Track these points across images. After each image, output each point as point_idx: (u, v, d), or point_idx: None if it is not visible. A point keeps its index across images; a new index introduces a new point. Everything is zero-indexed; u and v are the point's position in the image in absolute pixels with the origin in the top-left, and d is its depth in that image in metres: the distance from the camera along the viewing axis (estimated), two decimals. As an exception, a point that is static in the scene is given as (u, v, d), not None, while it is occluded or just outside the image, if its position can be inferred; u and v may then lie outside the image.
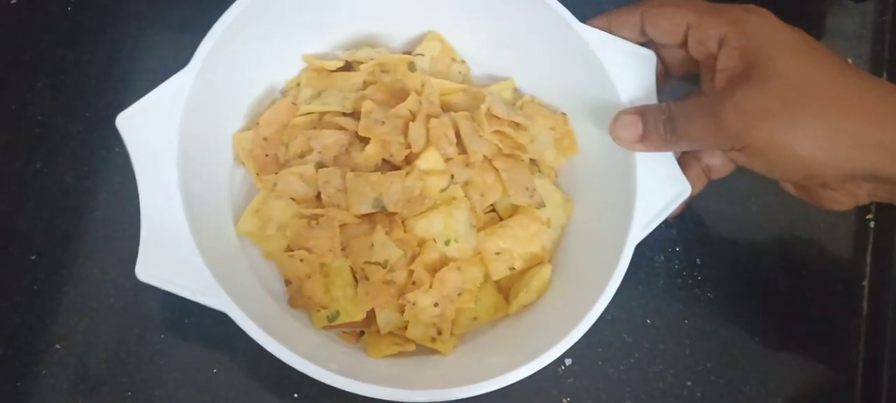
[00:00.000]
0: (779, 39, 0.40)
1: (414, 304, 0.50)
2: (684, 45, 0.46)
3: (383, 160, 0.53)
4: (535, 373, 0.45)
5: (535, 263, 0.54)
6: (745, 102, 0.38)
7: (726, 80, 0.42)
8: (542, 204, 0.54)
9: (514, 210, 0.55)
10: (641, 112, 0.44)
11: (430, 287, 0.50)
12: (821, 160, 0.38)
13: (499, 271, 0.53)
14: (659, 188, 0.49)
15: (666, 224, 0.59)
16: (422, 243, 0.52)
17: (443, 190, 0.52)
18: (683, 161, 0.48)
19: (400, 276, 0.51)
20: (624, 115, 0.44)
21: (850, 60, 0.67)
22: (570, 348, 0.45)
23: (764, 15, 0.42)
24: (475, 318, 0.53)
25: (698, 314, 0.59)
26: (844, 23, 0.68)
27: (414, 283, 0.51)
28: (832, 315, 0.60)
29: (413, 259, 0.52)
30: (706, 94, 0.45)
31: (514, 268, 0.53)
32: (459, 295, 0.51)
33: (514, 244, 0.53)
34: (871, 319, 0.60)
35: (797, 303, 0.60)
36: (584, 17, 0.51)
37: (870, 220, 0.62)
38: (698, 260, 0.60)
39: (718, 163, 0.49)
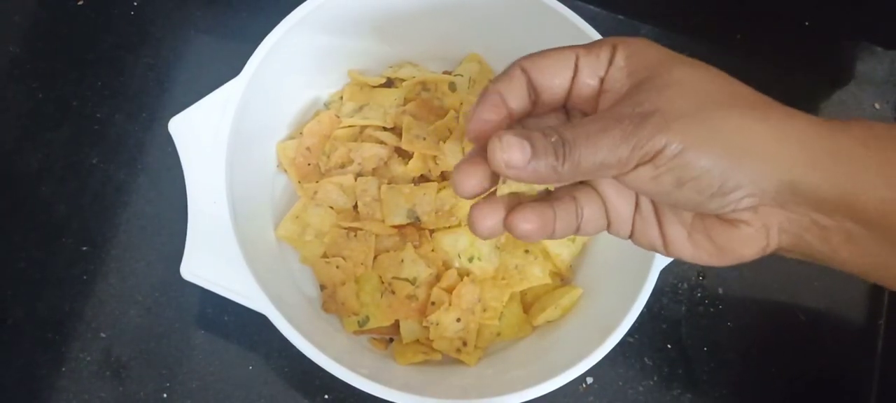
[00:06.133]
0: (667, 55, 0.35)
1: (437, 324, 0.52)
2: (568, 95, 0.38)
3: (421, 175, 0.56)
4: (557, 390, 0.46)
5: (555, 277, 0.56)
6: (654, 104, 0.33)
7: (613, 99, 0.35)
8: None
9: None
10: (529, 136, 0.34)
11: (450, 305, 0.52)
12: (739, 164, 0.33)
13: (519, 283, 0.55)
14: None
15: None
16: (445, 264, 0.54)
17: (473, 208, 0.54)
18: (556, 196, 0.38)
19: (422, 292, 0.53)
20: (509, 135, 0.34)
21: (877, 105, 0.68)
22: (592, 367, 0.47)
23: (644, 39, 0.37)
24: (498, 334, 0.55)
25: (718, 342, 0.60)
26: (874, 69, 0.69)
27: (433, 304, 0.53)
28: (849, 351, 0.61)
29: (438, 277, 0.54)
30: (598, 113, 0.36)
31: (532, 283, 0.55)
32: (484, 311, 0.53)
33: (534, 259, 0.55)
34: (885, 358, 0.61)
35: (815, 338, 0.61)
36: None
37: (890, 260, 0.63)
38: (721, 289, 0.61)
39: (594, 214, 0.38)
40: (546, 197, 0.37)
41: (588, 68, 0.36)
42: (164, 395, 0.54)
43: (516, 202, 0.36)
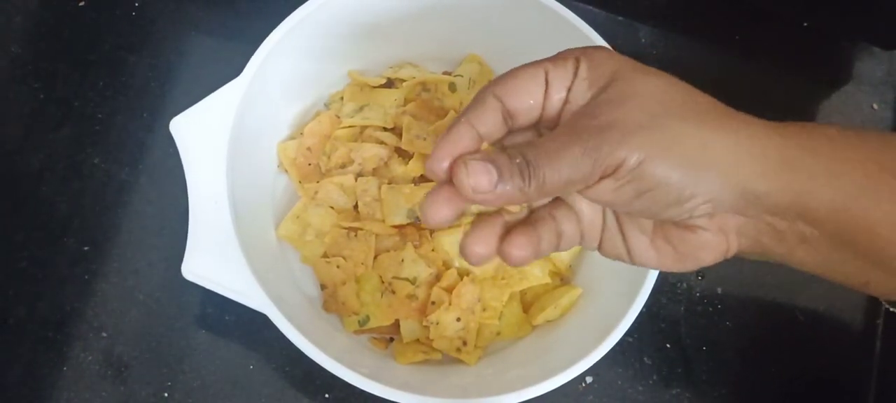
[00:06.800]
0: (626, 65, 0.36)
1: (437, 323, 0.53)
2: (541, 114, 0.38)
3: (421, 175, 0.56)
4: (556, 389, 0.46)
5: (555, 276, 0.57)
6: (613, 117, 0.34)
7: (576, 110, 0.36)
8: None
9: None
10: (493, 158, 0.34)
11: (450, 304, 0.53)
12: (696, 175, 0.34)
13: (518, 282, 0.55)
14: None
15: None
16: (445, 264, 0.54)
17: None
18: (537, 216, 0.38)
19: (422, 292, 0.54)
20: (474, 161, 0.34)
21: (875, 106, 0.68)
22: (591, 366, 0.47)
23: (605, 48, 0.39)
24: (498, 334, 0.55)
25: (717, 341, 0.60)
26: (872, 69, 0.69)
27: (433, 304, 0.53)
28: (847, 351, 0.61)
29: (438, 277, 0.54)
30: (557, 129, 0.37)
31: (532, 283, 0.55)
32: (484, 311, 0.53)
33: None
34: (883, 358, 0.61)
35: (814, 338, 0.61)
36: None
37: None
38: (719, 289, 0.61)
39: (571, 230, 0.39)
40: (528, 219, 0.38)
41: (557, 81, 0.37)
42: (165, 395, 0.54)
43: (507, 227, 0.36)
